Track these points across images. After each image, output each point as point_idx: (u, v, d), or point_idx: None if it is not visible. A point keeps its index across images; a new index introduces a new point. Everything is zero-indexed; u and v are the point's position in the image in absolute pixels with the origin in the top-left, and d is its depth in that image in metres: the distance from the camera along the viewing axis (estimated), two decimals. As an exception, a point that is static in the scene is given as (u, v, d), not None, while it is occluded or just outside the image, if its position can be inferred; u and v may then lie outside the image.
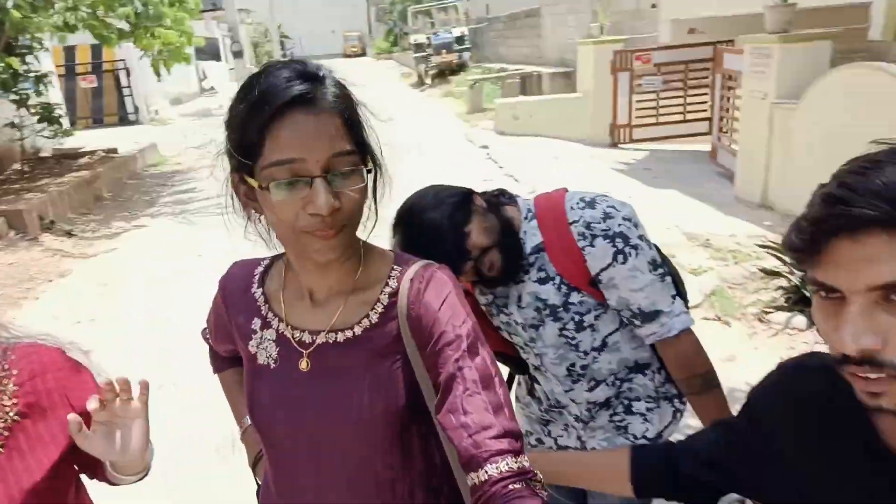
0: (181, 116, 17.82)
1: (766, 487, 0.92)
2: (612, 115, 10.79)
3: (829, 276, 0.68)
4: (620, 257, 1.41)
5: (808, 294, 4.04)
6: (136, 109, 16.40)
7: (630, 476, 1.06)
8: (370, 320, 0.97)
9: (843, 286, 0.67)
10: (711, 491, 1.02)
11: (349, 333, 0.98)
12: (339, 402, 0.96)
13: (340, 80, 0.92)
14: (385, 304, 0.98)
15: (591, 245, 1.42)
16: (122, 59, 15.53)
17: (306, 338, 1.00)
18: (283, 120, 0.85)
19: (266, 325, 1.03)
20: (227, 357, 1.27)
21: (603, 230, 1.41)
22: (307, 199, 0.85)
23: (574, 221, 1.44)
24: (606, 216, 1.42)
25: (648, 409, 1.57)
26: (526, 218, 1.52)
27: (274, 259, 1.09)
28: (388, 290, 0.98)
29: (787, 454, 0.88)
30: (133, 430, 1.02)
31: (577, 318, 1.49)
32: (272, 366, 1.01)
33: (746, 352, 3.85)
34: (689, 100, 10.63)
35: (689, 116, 10.72)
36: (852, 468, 0.80)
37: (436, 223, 1.34)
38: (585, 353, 1.53)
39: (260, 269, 1.10)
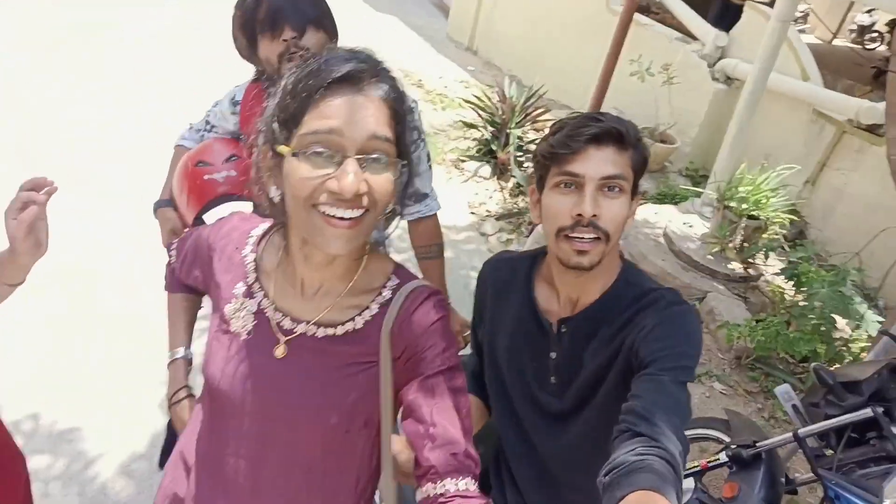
0: None
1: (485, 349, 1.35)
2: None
3: (578, 167, 1.07)
4: (413, 146, 1.67)
5: (494, 149, 4.79)
6: None
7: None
8: (355, 324, 0.96)
9: (587, 174, 1.07)
10: None
11: (331, 331, 0.96)
12: (303, 396, 0.95)
13: (398, 78, 0.90)
14: (374, 312, 0.96)
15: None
16: None
17: (287, 323, 0.97)
18: (332, 92, 0.83)
19: (249, 294, 1.00)
20: (184, 284, 1.21)
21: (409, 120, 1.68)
22: (332, 176, 0.82)
23: None
24: (411, 109, 1.65)
25: None
26: None
27: (274, 228, 1.02)
28: (380, 299, 0.97)
29: (487, 318, 1.32)
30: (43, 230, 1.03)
31: None
32: (244, 337, 0.98)
33: (443, 196, 4.46)
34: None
35: (415, -65, 10.56)
36: (521, 321, 1.24)
37: None
38: None
39: (257, 232, 1.05)
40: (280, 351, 0.96)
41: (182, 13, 6.70)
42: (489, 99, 5.02)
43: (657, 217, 4.37)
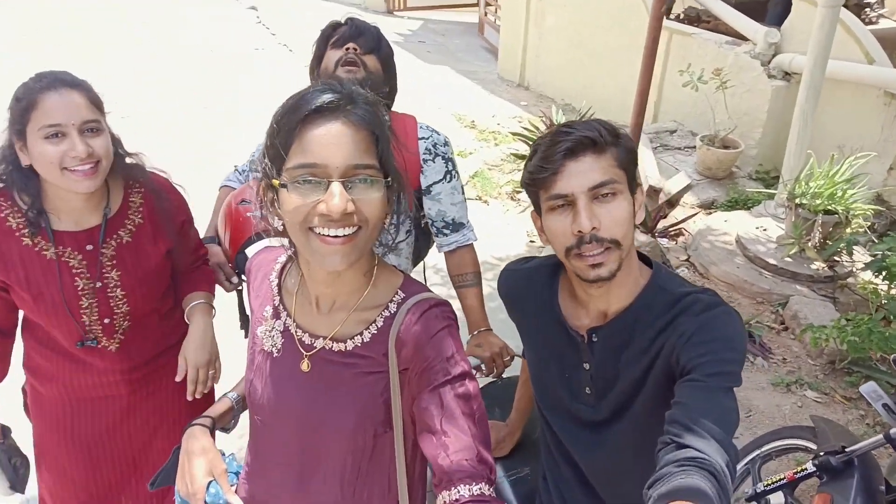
0: None
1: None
2: (387, -20, 10.60)
3: (563, 186, 1.04)
4: (448, 176, 1.78)
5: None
6: None
7: None
8: (363, 338, 1.00)
9: (574, 190, 1.04)
10: None
11: (343, 346, 1.01)
12: (327, 406, 1.01)
13: (374, 102, 0.94)
14: (379, 326, 1.00)
15: (433, 161, 1.77)
16: None
17: (307, 339, 1.03)
18: (311, 124, 0.88)
19: (276, 314, 1.07)
20: None
21: (443, 152, 1.78)
22: (321, 200, 0.87)
23: (423, 138, 1.77)
24: (446, 143, 1.80)
25: None
26: None
27: (295, 255, 1.07)
28: (385, 314, 1.00)
29: (516, 321, 1.30)
30: None
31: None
32: (275, 354, 1.06)
33: (501, 227, 4.51)
34: (460, -32, 10.79)
35: (461, -15, 10.93)
36: (546, 334, 1.22)
37: (367, 23, 1.74)
38: (377, 244, 1.85)
39: (282, 259, 1.12)
40: (305, 365, 1.03)
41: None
42: (536, 128, 5.04)
43: (727, 224, 4.19)
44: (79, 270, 1.44)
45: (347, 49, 1.68)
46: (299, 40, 8.27)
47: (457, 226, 1.83)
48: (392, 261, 1.84)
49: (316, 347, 1.02)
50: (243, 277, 1.87)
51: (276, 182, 0.91)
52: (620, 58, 5.86)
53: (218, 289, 1.76)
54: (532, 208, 1.17)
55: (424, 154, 1.77)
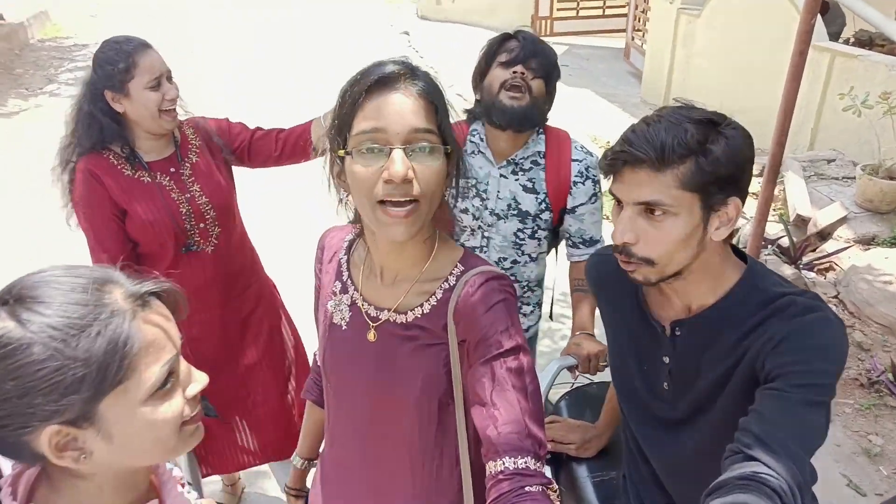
0: (73, -23, 16.10)
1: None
2: (534, 7, 10.75)
3: (617, 190, 1.02)
4: (594, 198, 1.81)
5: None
6: (20, -33, 14.70)
7: None
8: (423, 310, 1.03)
9: (623, 198, 1.01)
10: None
11: (405, 317, 1.03)
12: (393, 376, 1.04)
13: (434, 76, 0.98)
14: (439, 298, 1.02)
15: (583, 184, 1.77)
16: None
17: (373, 312, 1.06)
18: (373, 95, 0.91)
19: (344, 289, 1.11)
20: (320, 390, 1.34)
21: (593, 175, 1.79)
22: (385, 168, 0.90)
23: (577, 160, 1.77)
24: (595, 167, 1.80)
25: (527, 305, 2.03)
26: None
27: (362, 230, 1.11)
28: (445, 286, 1.02)
29: (601, 308, 1.29)
30: None
31: (536, 229, 1.81)
32: (344, 327, 1.10)
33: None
34: (609, -6, 10.71)
35: (608, 12, 10.84)
36: (627, 322, 1.19)
37: (540, 41, 1.71)
38: (522, 254, 1.86)
39: (350, 236, 1.16)
40: (371, 335, 1.06)
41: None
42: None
43: (888, 262, 3.74)
44: (170, 188, 1.82)
45: (515, 73, 1.64)
46: (444, 62, 8.64)
47: (593, 242, 1.87)
48: (532, 270, 1.93)
49: (381, 319, 1.05)
50: None
51: (341, 152, 0.95)
52: (776, 81, 5.48)
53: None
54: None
55: (576, 177, 1.77)
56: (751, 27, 5.99)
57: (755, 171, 5.04)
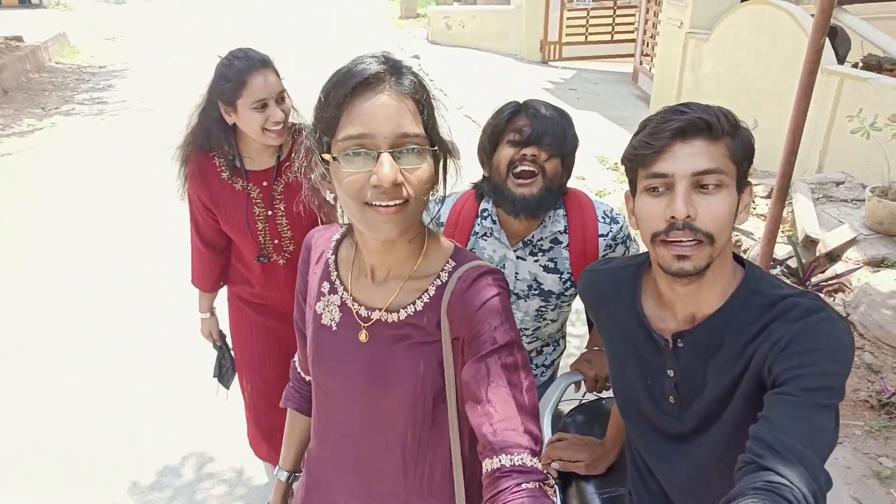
0: (93, 1, 16.49)
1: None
2: (543, 32, 10.88)
3: (665, 166, 0.97)
4: (625, 252, 1.69)
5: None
6: (40, -9, 15.09)
7: None
8: (415, 307, 1.01)
9: (676, 171, 0.96)
10: None
11: (396, 316, 1.02)
12: (386, 376, 1.02)
13: (420, 74, 0.96)
14: (431, 295, 1.00)
15: (613, 251, 1.64)
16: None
17: (363, 312, 1.04)
18: (358, 97, 0.89)
19: (333, 290, 1.09)
20: (302, 398, 1.32)
21: (622, 239, 1.65)
22: (373, 172, 0.88)
23: (603, 235, 1.62)
24: (622, 231, 1.65)
25: (548, 355, 1.92)
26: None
27: (350, 229, 1.11)
28: (437, 282, 1.01)
29: (600, 326, 1.26)
30: None
31: (561, 304, 1.71)
32: (334, 328, 1.08)
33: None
34: (617, 20, 10.82)
35: (617, 37, 10.94)
36: (628, 338, 1.16)
37: (552, 112, 1.51)
38: (545, 322, 1.77)
39: (337, 236, 1.14)
40: (363, 336, 1.04)
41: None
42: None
43: (897, 284, 3.71)
44: (256, 201, 1.92)
45: (525, 156, 1.47)
46: (453, 85, 8.72)
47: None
48: (555, 326, 1.79)
49: (372, 319, 1.03)
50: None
51: (327, 156, 0.93)
52: (784, 104, 5.50)
53: None
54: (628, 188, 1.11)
55: (605, 250, 1.63)
56: (759, 50, 6.03)
57: (763, 192, 5.07)
